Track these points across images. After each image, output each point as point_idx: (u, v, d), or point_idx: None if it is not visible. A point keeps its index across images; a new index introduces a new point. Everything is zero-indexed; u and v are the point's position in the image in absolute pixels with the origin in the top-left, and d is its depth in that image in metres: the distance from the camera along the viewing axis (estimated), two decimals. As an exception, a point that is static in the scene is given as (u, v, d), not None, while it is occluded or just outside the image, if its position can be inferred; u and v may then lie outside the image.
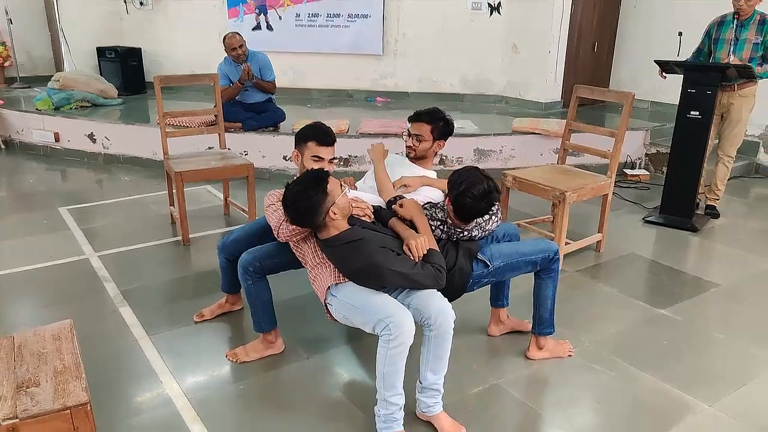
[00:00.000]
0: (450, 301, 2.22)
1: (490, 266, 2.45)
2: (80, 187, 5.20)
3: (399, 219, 2.39)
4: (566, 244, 3.61)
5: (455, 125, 2.99)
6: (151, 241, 3.94)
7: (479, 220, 2.44)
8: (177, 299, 3.22)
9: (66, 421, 1.57)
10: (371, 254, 2.12)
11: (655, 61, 4.40)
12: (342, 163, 5.33)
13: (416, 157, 2.83)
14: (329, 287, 2.24)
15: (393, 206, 2.45)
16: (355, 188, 2.81)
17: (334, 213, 2.16)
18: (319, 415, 2.32)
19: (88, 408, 1.60)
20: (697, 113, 4.15)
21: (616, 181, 4.03)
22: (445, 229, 2.45)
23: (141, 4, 7.59)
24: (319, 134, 2.57)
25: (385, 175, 2.68)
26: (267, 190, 2.59)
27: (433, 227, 2.43)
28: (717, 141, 4.54)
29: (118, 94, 6.82)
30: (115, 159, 5.79)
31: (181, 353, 2.70)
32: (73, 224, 4.21)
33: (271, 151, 5.36)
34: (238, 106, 5.34)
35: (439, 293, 2.21)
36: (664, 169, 4.80)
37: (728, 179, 4.61)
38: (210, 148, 4.89)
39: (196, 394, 2.42)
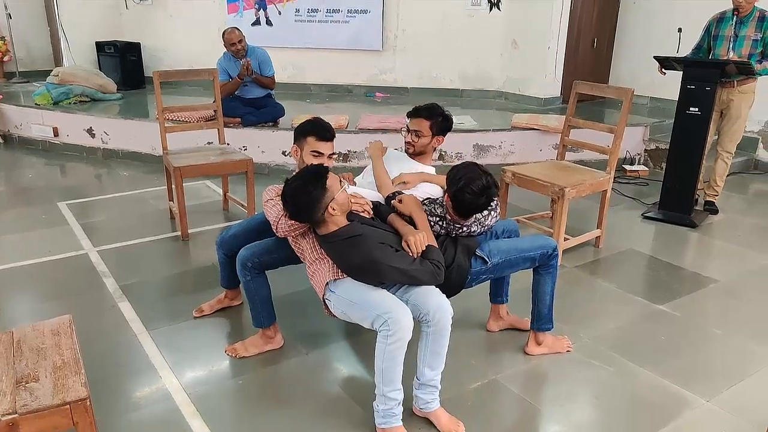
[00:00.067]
0: (448, 297, 2.23)
1: (489, 263, 2.45)
2: (79, 182, 5.21)
3: (398, 215, 2.39)
4: (565, 239, 3.61)
5: (454, 121, 2.99)
6: (150, 236, 3.94)
7: (478, 215, 2.45)
8: (176, 294, 3.22)
9: (65, 416, 1.58)
10: (370, 250, 2.12)
11: (655, 57, 4.40)
12: (341, 158, 5.32)
13: (415, 153, 2.83)
14: (328, 283, 2.24)
15: (392, 202, 2.45)
16: (354, 184, 2.80)
17: (333, 209, 2.16)
18: (318, 411, 2.32)
19: (88, 403, 1.60)
20: (697, 109, 4.15)
21: (615, 177, 4.03)
22: (444, 225, 2.45)
23: (140, -2, 7.59)
24: (318, 129, 2.57)
25: (384, 172, 2.68)
26: (266, 185, 2.58)
27: (432, 223, 2.43)
28: (716, 137, 4.54)
29: (117, 89, 6.81)
30: (114, 154, 5.79)
31: (180, 348, 2.70)
32: (72, 219, 4.21)
33: (270, 146, 5.36)
34: (237, 101, 5.33)
35: (438, 289, 2.21)
36: (663, 165, 4.81)
37: (727, 175, 4.62)
38: (209, 143, 4.88)
39: (195, 389, 2.42)
